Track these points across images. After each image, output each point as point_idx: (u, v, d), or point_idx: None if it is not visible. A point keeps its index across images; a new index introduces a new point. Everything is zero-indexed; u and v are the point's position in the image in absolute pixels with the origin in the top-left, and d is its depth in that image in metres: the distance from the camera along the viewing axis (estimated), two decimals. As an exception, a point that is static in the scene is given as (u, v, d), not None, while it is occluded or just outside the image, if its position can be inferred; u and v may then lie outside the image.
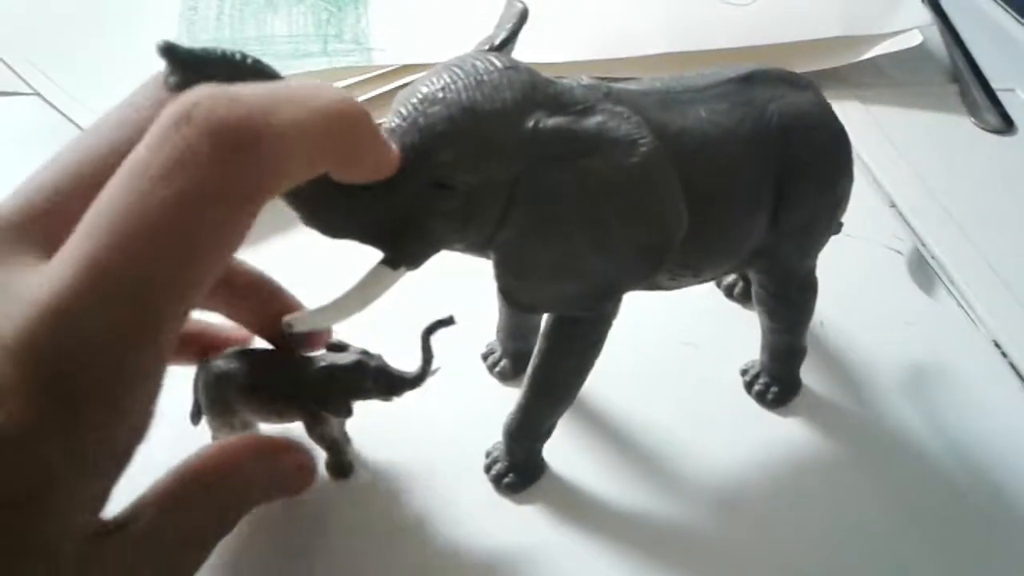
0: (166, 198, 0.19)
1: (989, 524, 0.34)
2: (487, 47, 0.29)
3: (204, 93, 0.20)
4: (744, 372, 0.39)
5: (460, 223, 0.27)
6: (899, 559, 0.32)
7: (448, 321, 0.30)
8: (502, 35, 0.29)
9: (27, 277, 0.20)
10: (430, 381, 0.31)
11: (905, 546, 0.33)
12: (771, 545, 0.32)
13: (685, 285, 0.33)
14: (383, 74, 0.51)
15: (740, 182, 0.30)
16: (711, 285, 0.42)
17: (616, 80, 0.30)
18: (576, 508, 0.33)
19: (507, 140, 0.26)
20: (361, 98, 0.47)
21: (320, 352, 0.31)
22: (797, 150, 0.31)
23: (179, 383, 0.30)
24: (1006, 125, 0.56)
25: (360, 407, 0.31)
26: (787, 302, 0.35)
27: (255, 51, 0.26)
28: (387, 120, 0.26)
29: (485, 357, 0.39)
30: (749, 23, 0.57)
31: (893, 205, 0.49)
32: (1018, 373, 0.40)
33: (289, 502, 0.31)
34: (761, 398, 0.38)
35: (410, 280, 0.28)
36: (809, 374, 0.38)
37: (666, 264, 0.29)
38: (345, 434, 0.33)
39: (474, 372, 0.38)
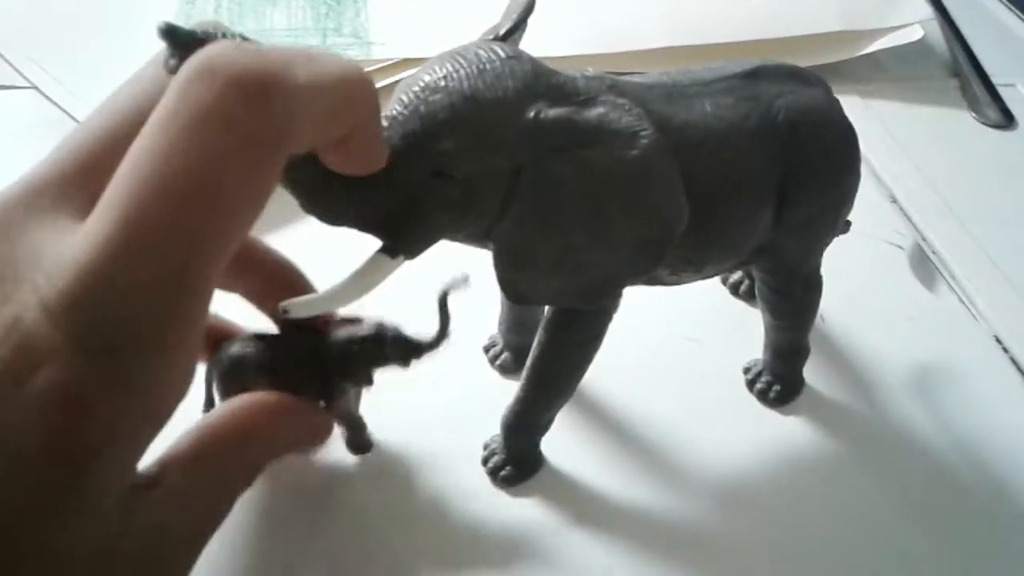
0: (195, 148, 0.19)
1: (991, 519, 0.34)
2: (492, 36, 0.28)
3: (225, 45, 0.20)
4: (747, 370, 0.38)
5: (460, 213, 0.27)
6: (902, 555, 0.32)
7: (462, 280, 0.30)
8: (508, 24, 0.29)
9: (66, 238, 0.20)
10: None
11: (908, 542, 0.32)
12: (772, 541, 0.32)
13: (687, 281, 0.32)
14: (382, 68, 0.51)
15: (744, 177, 0.30)
16: (716, 282, 0.42)
17: (618, 75, 0.29)
18: (573, 503, 0.33)
19: (508, 130, 0.26)
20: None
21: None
22: (804, 146, 0.30)
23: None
24: (1007, 120, 0.56)
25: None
26: (790, 300, 0.35)
27: (254, 44, 0.26)
28: (389, 108, 0.26)
29: (487, 350, 0.38)
30: (750, 18, 0.57)
31: (894, 200, 0.49)
32: (1019, 368, 0.40)
33: (286, 491, 0.31)
34: (763, 397, 0.37)
35: (409, 270, 0.28)
36: (809, 368, 0.38)
37: (667, 258, 0.29)
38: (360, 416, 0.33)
39: (475, 365, 0.38)
